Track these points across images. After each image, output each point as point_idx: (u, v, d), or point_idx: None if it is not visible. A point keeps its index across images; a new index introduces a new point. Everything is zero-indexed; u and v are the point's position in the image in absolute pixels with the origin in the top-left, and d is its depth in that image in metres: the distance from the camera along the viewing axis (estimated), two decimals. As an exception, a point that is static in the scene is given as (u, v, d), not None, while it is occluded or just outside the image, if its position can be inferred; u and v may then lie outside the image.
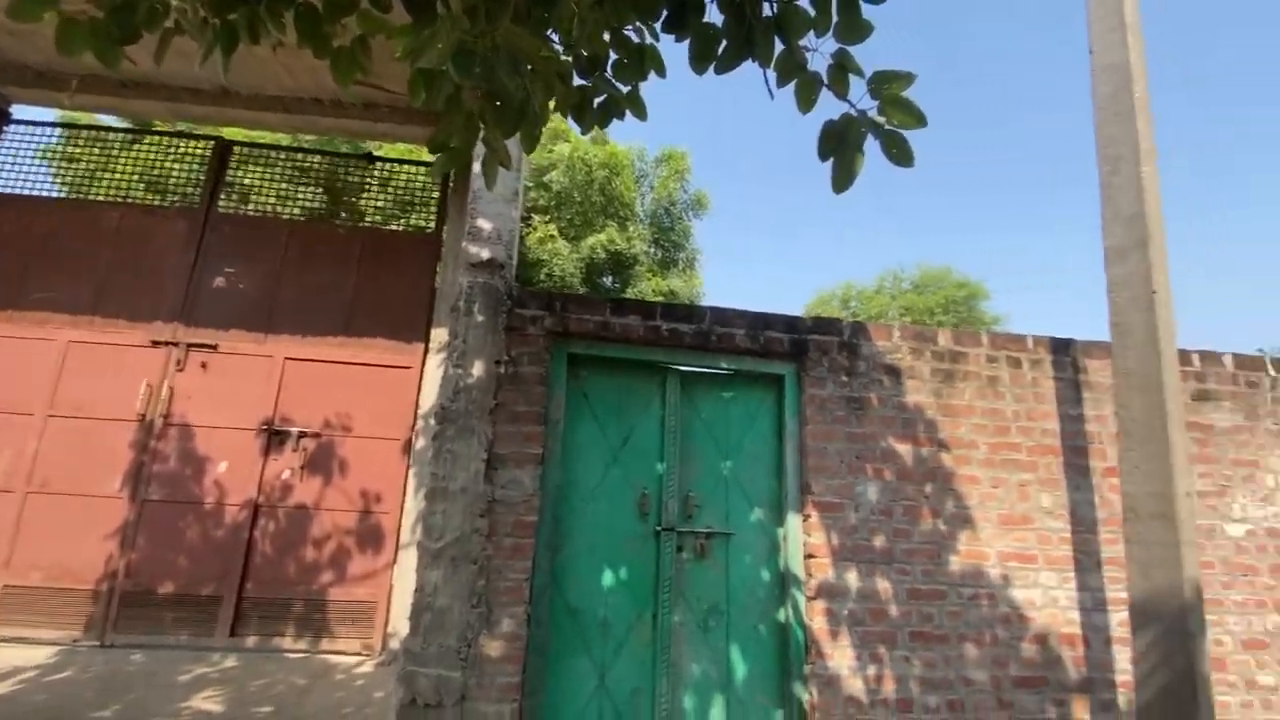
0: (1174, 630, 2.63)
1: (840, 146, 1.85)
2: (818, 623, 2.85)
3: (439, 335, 4.29)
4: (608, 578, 2.91)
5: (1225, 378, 3.79)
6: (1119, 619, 3.12)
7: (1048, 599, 3.13)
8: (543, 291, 3.10)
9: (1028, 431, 3.35)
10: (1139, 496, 2.83)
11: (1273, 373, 3.86)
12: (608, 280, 13.32)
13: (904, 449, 3.14)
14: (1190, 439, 3.54)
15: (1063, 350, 3.56)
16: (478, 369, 2.84)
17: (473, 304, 2.91)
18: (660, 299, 12.52)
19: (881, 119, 1.76)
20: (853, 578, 2.93)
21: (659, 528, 2.99)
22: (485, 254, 2.96)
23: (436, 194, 4.95)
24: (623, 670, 2.84)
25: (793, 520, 3.02)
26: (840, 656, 2.83)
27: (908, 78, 1.75)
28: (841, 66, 1.85)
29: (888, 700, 2.81)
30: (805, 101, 1.91)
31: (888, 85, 1.79)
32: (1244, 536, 3.49)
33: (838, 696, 2.78)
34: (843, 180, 1.81)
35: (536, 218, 12.32)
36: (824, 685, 2.79)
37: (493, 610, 2.69)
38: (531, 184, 12.37)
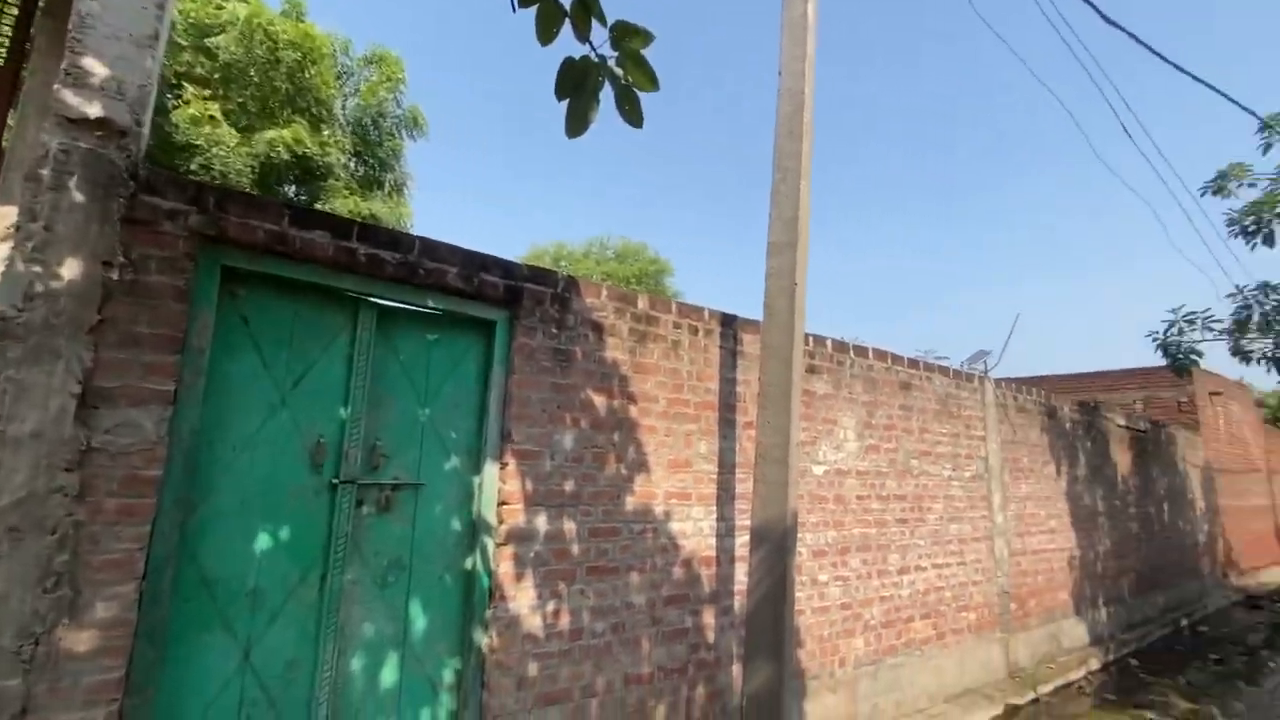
0: (777, 547, 3.39)
1: (578, 90, 1.79)
2: (504, 567, 2.89)
3: (3, 214, 3.00)
4: (264, 539, 2.45)
5: (825, 356, 4.98)
6: (742, 542, 3.89)
7: (696, 529, 3.73)
8: (189, 180, 2.37)
9: (696, 390, 3.90)
10: (768, 445, 3.54)
11: (852, 356, 5.22)
12: (291, 190, 11.24)
13: (600, 400, 3.34)
14: (800, 401, 4.57)
15: (728, 324, 4.22)
16: (70, 269, 2.05)
17: (66, 176, 2.06)
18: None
19: (620, 71, 1.75)
20: (542, 521, 3.03)
21: (337, 480, 2.63)
22: (94, 109, 2.12)
23: (15, 10, 3.41)
24: (276, 642, 2.45)
25: (490, 468, 2.97)
26: (523, 597, 2.92)
27: (647, 35, 1.76)
28: (584, 3, 1.78)
29: (562, 632, 3.02)
30: (545, 32, 1.79)
31: (628, 38, 1.78)
32: (822, 475, 4.69)
33: (516, 636, 2.88)
34: (576, 125, 1.75)
35: (192, 89, 9.60)
36: (505, 627, 2.85)
37: (83, 592, 2.03)
38: (187, 41, 9.54)
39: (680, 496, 3.68)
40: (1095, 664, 6.87)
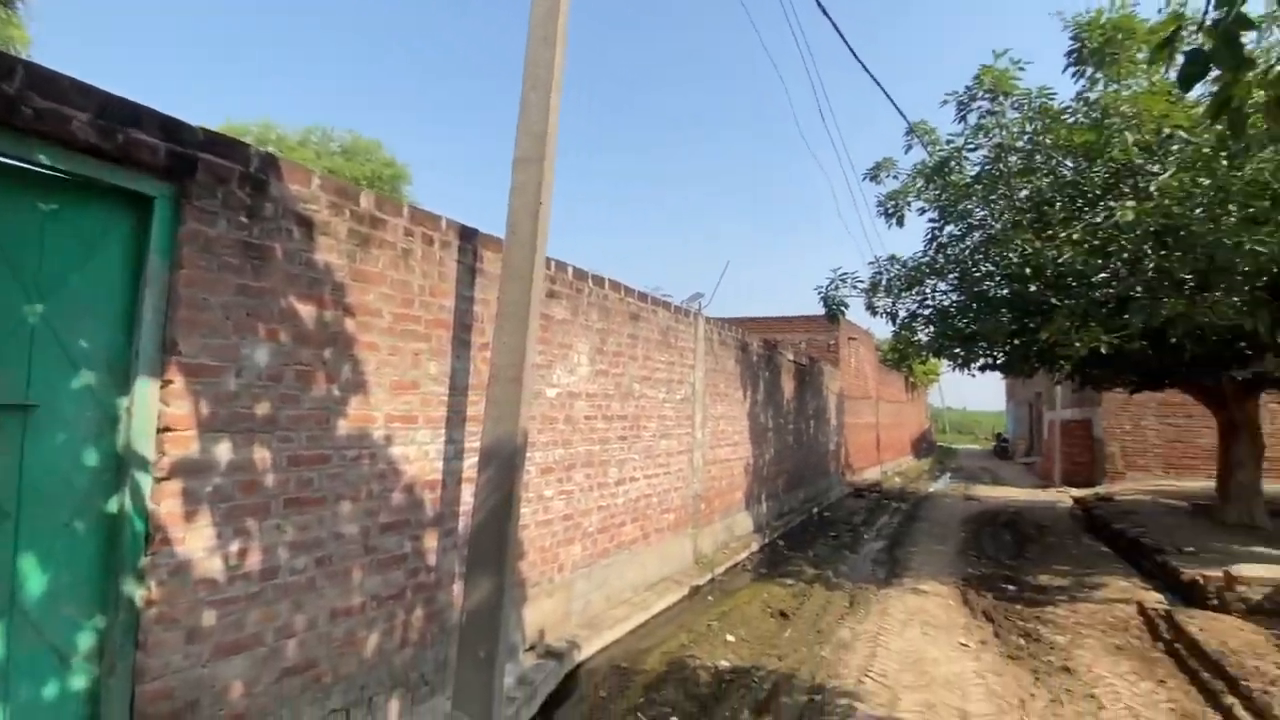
0: (505, 466, 3.41)
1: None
2: (167, 507, 2.36)
3: None
4: None
5: (566, 283, 5.05)
6: (471, 464, 3.82)
7: (421, 453, 3.54)
8: None
9: (429, 306, 3.61)
10: (502, 366, 3.48)
11: (590, 285, 5.40)
12: None
13: (307, 310, 2.86)
14: (539, 325, 4.59)
15: (468, 238, 3.96)
16: None
17: None
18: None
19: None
20: (224, 450, 2.53)
21: None
22: None
23: None
24: None
25: (145, 387, 2.35)
26: (195, 540, 2.44)
27: None
28: None
29: (250, 573, 2.62)
30: None
31: None
32: (555, 397, 4.84)
33: (186, 583, 2.41)
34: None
35: None
36: (169, 575, 2.36)
37: None
38: None
39: (405, 420, 3.43)
40: (755, 546, 8.66)
